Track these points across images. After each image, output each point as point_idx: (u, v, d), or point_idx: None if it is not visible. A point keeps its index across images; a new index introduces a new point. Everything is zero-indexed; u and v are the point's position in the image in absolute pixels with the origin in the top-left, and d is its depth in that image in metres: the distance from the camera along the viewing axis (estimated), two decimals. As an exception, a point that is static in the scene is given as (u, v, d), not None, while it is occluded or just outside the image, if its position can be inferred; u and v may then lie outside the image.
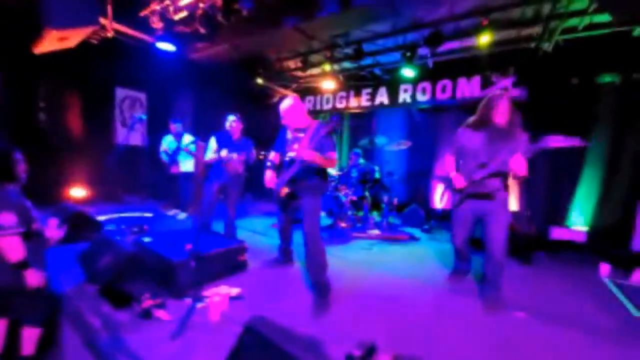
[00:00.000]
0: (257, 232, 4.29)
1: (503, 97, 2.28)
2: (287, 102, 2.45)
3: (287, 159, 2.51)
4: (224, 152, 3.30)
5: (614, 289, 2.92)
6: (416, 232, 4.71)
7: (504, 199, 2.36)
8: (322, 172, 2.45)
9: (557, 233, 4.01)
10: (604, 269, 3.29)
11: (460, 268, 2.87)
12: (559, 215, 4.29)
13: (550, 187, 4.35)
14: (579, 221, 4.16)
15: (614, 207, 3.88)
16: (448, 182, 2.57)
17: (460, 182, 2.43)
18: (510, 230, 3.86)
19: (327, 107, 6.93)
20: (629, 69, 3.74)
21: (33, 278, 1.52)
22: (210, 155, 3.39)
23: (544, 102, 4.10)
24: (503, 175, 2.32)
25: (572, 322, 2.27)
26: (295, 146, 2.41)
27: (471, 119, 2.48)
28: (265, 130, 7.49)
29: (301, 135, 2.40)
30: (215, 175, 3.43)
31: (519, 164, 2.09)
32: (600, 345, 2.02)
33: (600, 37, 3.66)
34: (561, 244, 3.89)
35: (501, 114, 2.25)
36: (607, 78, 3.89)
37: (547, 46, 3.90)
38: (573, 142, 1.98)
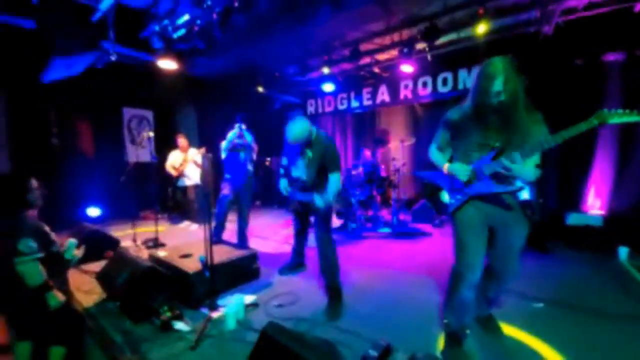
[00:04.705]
0: (268, 239, 4.33)
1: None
2: (293, 126, 2.37)
3: (295, 176, 2.55)
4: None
5: (634, 272, 2.85)
6: (427, 227, 4.68)
7: (518, 203, 1.68)
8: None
9: (573, 218, 3.92)
10: (622, 252, 3.20)
11: (462, 326, 1.80)
12: (574, 201, 4.19)
13: (562, 172, 4.26)
14: (595, 205, 4.06)
15: (629, 189, 3.77)
16: (445, 181, 1.78)
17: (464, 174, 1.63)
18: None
19: (329, 109, 6.96)
20: (633, 46, 3.64)
21: (55, 300, 1.58)
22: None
23: (547, 86, 4.03)
24: None
25: (593, 308, 2.23)
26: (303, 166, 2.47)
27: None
28: (268, 137, 7.60)
29: (308, 150, 2.43)
30: (227, 184, 3.50)
31: None
32: (625, 328, 1.98)
33: (602, 16, 3.59)
34: (578, 230, 3.80)
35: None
36: (611, 56, 3.80)
37: (547, 29, 3.83)
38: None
